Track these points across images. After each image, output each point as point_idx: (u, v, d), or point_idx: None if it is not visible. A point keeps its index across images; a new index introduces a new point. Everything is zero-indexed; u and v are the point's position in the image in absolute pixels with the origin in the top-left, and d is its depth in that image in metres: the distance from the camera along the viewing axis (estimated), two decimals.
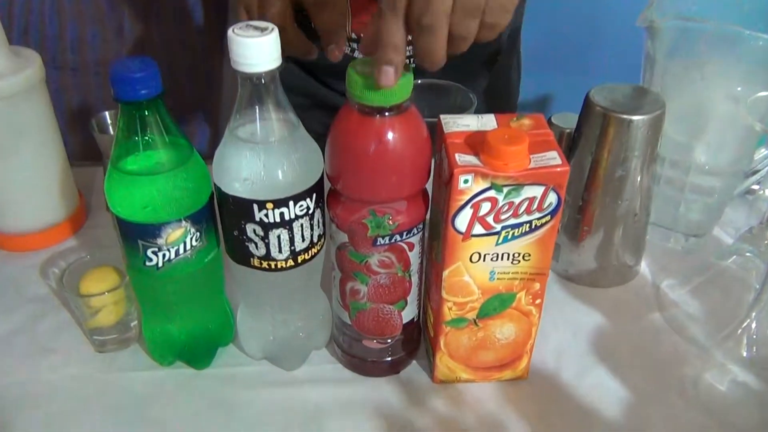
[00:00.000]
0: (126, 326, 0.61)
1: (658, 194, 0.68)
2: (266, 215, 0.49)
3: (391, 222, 0.49)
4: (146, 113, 0.48)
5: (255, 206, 0.48)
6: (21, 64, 0.66)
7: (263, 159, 0.48)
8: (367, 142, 0.46)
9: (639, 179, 0.63)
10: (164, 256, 0.51)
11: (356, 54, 0.84)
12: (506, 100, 1.02)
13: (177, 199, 0.50)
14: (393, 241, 0.50)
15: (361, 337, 0.56)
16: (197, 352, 0.59)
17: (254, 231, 0.50)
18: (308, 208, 0.50)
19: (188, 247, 0.52)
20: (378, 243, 0.50)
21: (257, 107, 0.47)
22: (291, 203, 0.49)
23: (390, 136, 0.46)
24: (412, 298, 0.55)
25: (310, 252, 0.52)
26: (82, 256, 0.63)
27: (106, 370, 0.59)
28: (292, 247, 0.51)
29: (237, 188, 0.48)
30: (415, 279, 0.54)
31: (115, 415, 0.56)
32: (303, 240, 0.51)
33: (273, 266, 0.51)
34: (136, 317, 0.61)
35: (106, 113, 0.73)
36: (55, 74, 1.12)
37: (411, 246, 0.51)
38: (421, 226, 0.52)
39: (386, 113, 0.46)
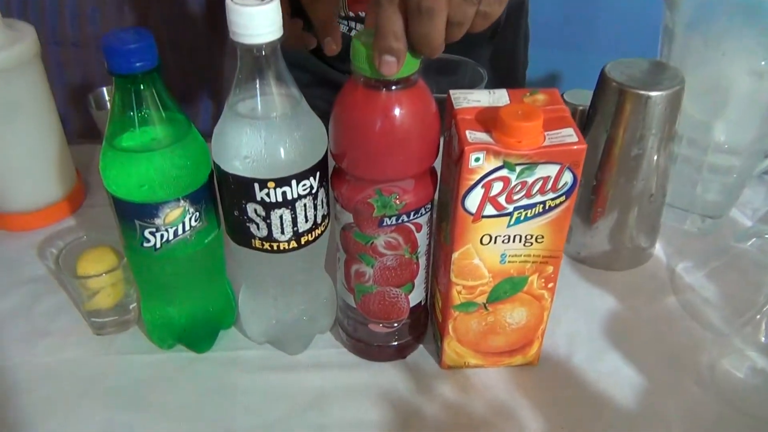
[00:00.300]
0: (125, 308, 0.59)
1: (674, 174, 0.66)
2: (267, 195, 0.47)
3: (398, 202, 0.47)
4: (142, 87, 0.45)
5: (256, 185, 0.46)
6: (14, 37, 0.64)
7: (264, 136, 0.46)
8: (372, 117, 0.44)
9: (656, 158, 0.60)
10: (162, 237, 0.49)
11: (353, 33, 0.82)
12: (512, 75, 0.99)
13: (175, 177, 0.48)
14: (400, 221, 0.48)
15: (366, 321, 0.54)
16: (198, 335, 0.57)
17: (255, 211, 0.48)
18: (311, 187, 0.48)
19: (187, 227, 0.50)
20: (384, 224, 0.48)
21: (257, 81, 0.45)
22: (293, 182, 0.47)
23: (397, 111, 0.44)
24: (420, 281, 0.53)
25: (313, 233, 0.50)
26: (79, 236, 0.61)
27: (104, 353, 0.58)
28: (295, 228, 0.49)
29: (237, 166, 0.46)
30: (422, 261, 0.52)
31: (114, 399, 0.54)
32: (306, 221, 0.49)
33: (275, 248, 0.49)
34: (135, 299, 0.59)
35: (104, 89, 0.71)
36: (55, 49, 1.10)
37: (419, 227, 0.49)
38: (429, 206, 0.49)
39: (393, 87, 0.44)
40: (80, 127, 1.11)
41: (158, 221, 0.48)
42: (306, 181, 0.47)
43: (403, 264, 0.51)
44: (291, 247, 0.50)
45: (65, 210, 0.72)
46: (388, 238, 0.49)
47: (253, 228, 0.49)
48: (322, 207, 0.50)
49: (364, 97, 0.44)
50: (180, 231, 0.49)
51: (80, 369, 0.56)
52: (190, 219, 0.50)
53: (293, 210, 0.48)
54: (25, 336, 0.59)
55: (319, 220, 0.50)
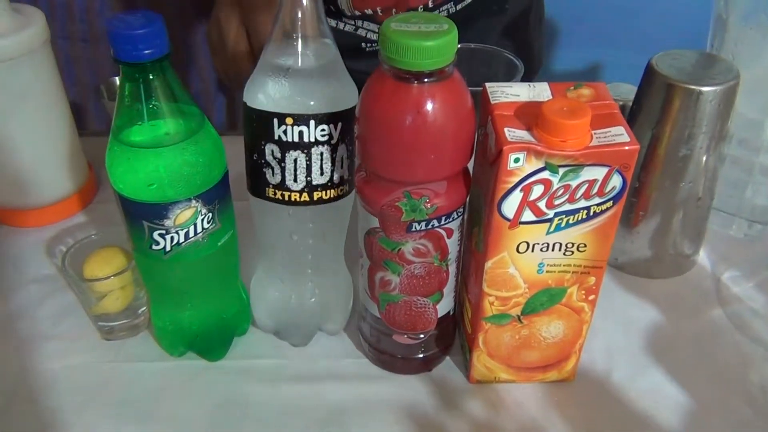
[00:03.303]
0: (134, 312, 0.56)
1: (722, 176, 0.61)
2: (285, 132, 0.44)
3: (428, 205, 0.43)
4: (150, 77, 0.42)
5: (275, 121, 0.44)
6: (23, 22, 0.61)
7: (291, 73, 0.43)
8: (403, 113, 0.40)
9: (705, 159, 0.56)
10: (172, 239, 0.46)
11: (359, 31, 0.78)
12: (527, 57, 0.94)
13: (186, 175, 0.44)
14: (430, 226, 0.44)
15: (390, 331, 0.51)
16: (211, 343, 0.54)
17: (272, 153, 0.45)
18: (330, 135, 0.44)
19: (199, 229, 0.46)
20: (413, 229, 0.44)
21: (298, 30, 0.43)
22: (312, 122, 0.44)
23: (430, 106, 0.40)
24: (449, 289, 0.49)
25: (328, 192, 0.47)
26: (90, 234, 0.58)
27: (112, 360, 0.55)
28: (309, 178, 0.46)
29: (261, 100, 0.44)
30: (452, 269, 0.48)
31: (121, 409, 0.51)
32: (321, 173, 0.46)
33: (287, 198, 0.46)
34: (146, 302, 0.56)
35: (116, 78, 0.67)
36: (64, 45, 1.08)
37: (450, 232, 0.45)
38: (461, 209, 0.45)
39: (426, 80, 0.39)
40: (95, 123, 1.08)
41: (168, 223, 0.45)
42: (325, 126, 0.44)
43: (432, 272, 0.47)
44: (303, 199, 0.46)
45: (76, 205, 0.69)
46: (416, 245, 0.45)
47: (268, 174, 0.46)
48: (341, 167, 0.46)
49: (393, 90, 0.40)
50: (191, 233, 0.46)
51: (86, 377, 0.53)
52: (203, 220, 0.46)
53: (308, 155, 0.45)
54: (28, 340, 0.56)
55: (335, 180, 0.47)
